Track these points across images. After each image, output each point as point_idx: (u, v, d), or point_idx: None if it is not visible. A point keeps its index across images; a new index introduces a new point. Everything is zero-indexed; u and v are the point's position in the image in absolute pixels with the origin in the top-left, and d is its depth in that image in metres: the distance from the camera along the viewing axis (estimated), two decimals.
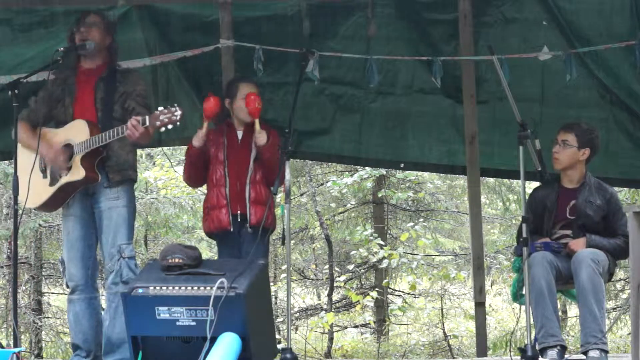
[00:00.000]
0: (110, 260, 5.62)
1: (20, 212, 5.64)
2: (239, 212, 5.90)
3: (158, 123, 5.38)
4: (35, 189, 5.63)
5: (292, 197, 6.19)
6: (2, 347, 5.47)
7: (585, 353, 5.42)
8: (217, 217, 5.93)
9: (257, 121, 5.85)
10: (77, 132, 5.62)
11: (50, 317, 12.28)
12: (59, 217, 11.18)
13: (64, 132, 5.69)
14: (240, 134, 6.01)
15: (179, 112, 5.38)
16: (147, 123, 5.39)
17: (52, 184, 5.68)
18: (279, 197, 7.18)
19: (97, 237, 5.71)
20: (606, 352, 5.46)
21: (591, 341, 5.39)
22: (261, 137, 5.83)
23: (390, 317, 12.62)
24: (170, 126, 5.40)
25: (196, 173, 6.07)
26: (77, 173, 5.57)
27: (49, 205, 5.82)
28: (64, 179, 5.63)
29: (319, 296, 14.68)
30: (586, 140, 5.85)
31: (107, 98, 5.68)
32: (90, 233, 5.72)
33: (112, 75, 5.75)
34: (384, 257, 11.39)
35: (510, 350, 6.61)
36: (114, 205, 5.63)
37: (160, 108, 5.43)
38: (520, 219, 5.43)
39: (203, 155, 5.95)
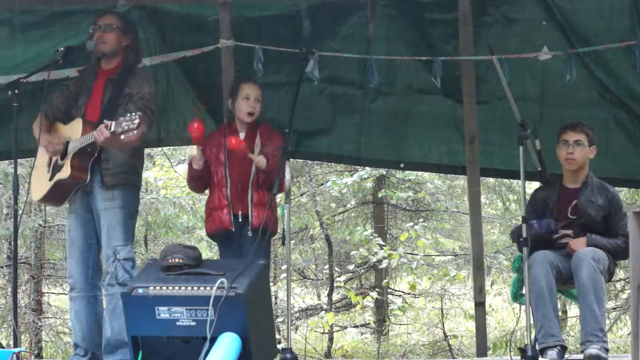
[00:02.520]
0: (106, 262, 5.62)
1: (20, 212, 5.64)
2: (240, 212, 5.90)
3: (120, 129, 5.28)
4: (40, 182, 5.68)
5: (292, 197, 6.18)
6: (2, 347, 5.48)
7: (585, 351, 5.42)
8: (218, 217, 5.93)
9: (250, 155, 5.82)
10: (74, 130, 5.63)
11: (50, 317, 12.27)
12: (59, 217, 11.21)
13: (67, 129, 5.71)
14: (242, 135, 6.00)
15: (137, 120, 5.26)
16: (113, 128, 5.30)
17: (50, 178, 5.70)
18: (279, 197, 7.16)
19: (97, 236, 5.72)
20: (606, 350, 5.46)
21: (591, 339, 5.38)
22: (260, 163, 5.82)
23: (390, 317, 12.62)
24: (130, 134, 5.26)
25: (200, 183, 6.08)
26: (65, 171, 5.58)
27: (48, 199, 5.82)
28: (57, 176, 5.64)
29: (319, 296, 14.68)
30: (593, 138, 5.90)
31: (113, 99, 5.68)
32: (90, 232, 5.71)
33: (123, 76, 5.73)
34: (383, 257, 11.39)
35: (510, 350, 6.61)
36: (109, 207, 5.61)
37: (128, 115, 5.34)
38: (521, 219, 5.42)
39: (205, 170, 5.95)
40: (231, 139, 5.83)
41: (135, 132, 5.25)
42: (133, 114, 5.28)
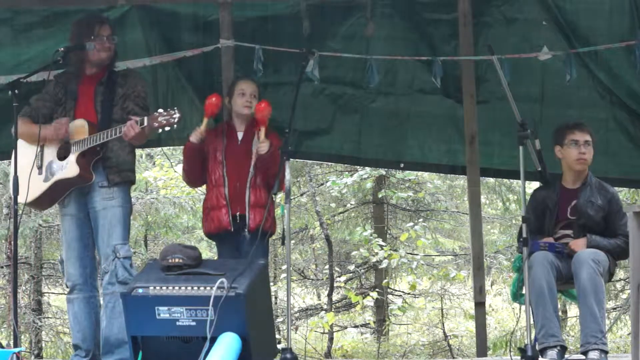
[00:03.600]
0: (105, 261, 5.61)
1: (20, 212, 5.63)
2: (238, 213, 5.90)
3: (156, 124, 5.42)
4: (32, 184, 5.62)
5: (292, 197, 6.17)
6: (2, 347, 5.47)
7: (585, 353, 5.42)
8: (217, 217, 5.93)
9: (262, 129, 5.83)
10: (76, 130, 5.62)
11: (50, 317, 12.27)
12: (58, 217, 11.20)
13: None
14: (240, 134, 6.01)
15: (177, 115, 5.40)
16: (145, 124, 5.42)
17: (46, 180, 5.68)
18: (279, 197, 7.16)
19: (93, 237, 5.71)
20: (606, 352, 5.46)
21: (591, 341, 5.39)
22: (263, 146, 5.80)
23: (390, 317, 12.62)
24: (167, 128, 5.44)
25: (193, 172, 6.06)
26: (71, 171, 5.58)
27: (42, 201, 5.80)
28: (58, 176, 5.63)
29: (319, 296, 14.68)
30: (594, 138, 5.92)
31: (106, 101, 5.69)
32: (86, 233, 5.71)
33: (112, 78, 5.76)
34: (383, 257, 11.39)
35: (510, 350, 6.61)
36: (109, 205, 5.62)
37: (160, 110, 5.44)
38: (521, 219, 5.42)
39: (200, 152, 5.94)
40: (261, 104, 5.88)
41: (175, 126, 5.42)
42: (170, 109, 5.43)
